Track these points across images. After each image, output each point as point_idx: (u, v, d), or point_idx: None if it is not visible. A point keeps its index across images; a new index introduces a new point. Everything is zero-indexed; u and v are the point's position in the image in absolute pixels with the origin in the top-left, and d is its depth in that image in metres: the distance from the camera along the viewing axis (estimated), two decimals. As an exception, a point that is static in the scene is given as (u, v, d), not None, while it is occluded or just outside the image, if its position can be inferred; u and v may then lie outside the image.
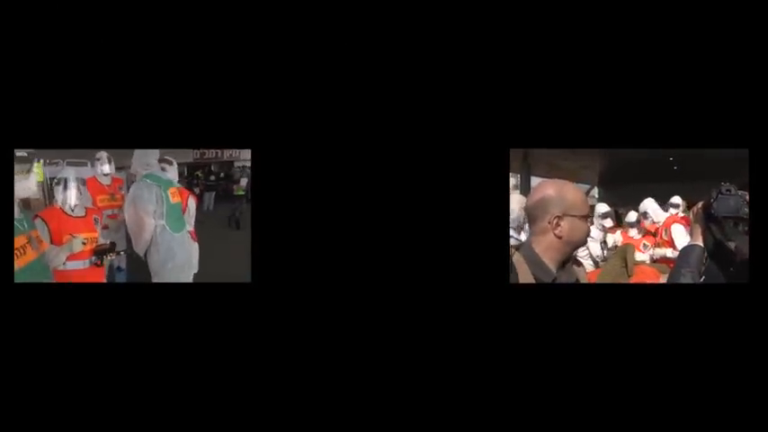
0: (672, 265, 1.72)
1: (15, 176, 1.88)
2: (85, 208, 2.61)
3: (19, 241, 2.02)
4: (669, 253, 4.59)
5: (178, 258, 2.85)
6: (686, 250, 1.54)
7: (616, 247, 4.96)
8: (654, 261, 4.74)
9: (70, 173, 2.58)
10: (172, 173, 3.17)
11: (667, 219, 4.80)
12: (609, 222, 5.15)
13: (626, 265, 4.64)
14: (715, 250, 1.52)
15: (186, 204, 3.15)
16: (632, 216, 5.07)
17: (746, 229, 1.50)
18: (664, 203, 4.94)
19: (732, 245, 1.51)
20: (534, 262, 1.39)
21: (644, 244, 4.88)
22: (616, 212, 5.39)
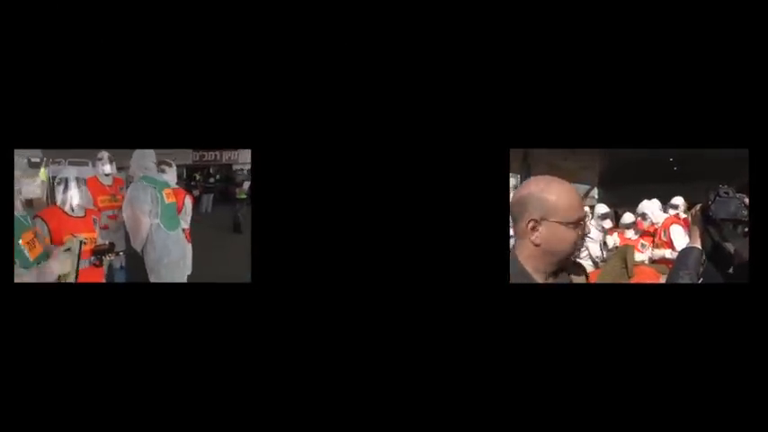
0: (671, 266, 1.73)
1: (25, 179, 1.90)
2: (85, 208, 2.62)
3: (27, 236, 2.11)
4: (668, 254, 4.60)
5: (173, 255, 2.97)
6: (684, 252, 1.55)
7: (616, 247, 4.96)
8: (653, 262, 4.75)
9: (71, 173, 2.61)
10: (171, 174, 3.30)
11: (666, 220, 4.81)
12: (608, 223, 5.15)
13: (626, 266, 4.64)
14: (713, 252, 1.52)
15: (182, 204, 3.28)
16: (628, 218, 5.08)
17: (746, 231, 1.50)
18: (664, 204, 4.94)
19: (731, 248, 1.52)
20: (518, 270, 1.23)
21: (642, 244, 4.89)
22: (616, 213, 5.39)
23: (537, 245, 1.21)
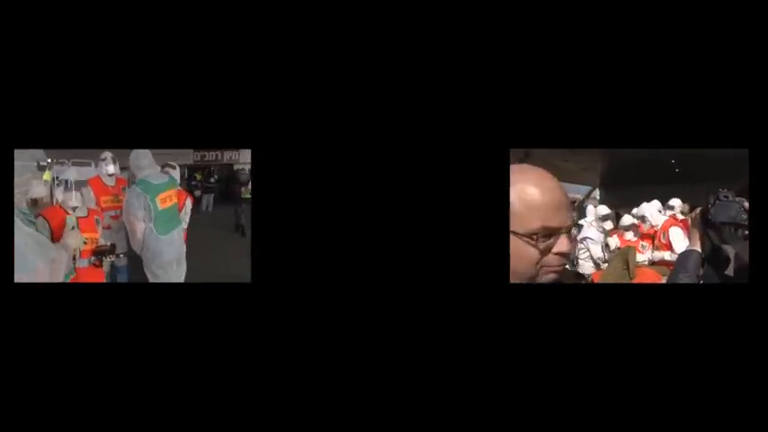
0: (671, 268, 1.73)
1: (33, 181, 1.95)
2: (88, 208, 2.66)
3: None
4: (667, 256, 4.62)
5: (164, 256, 3.10)
6: (684, 255, 1.56)
7: (618, 249, 4.97)
8: (652, 263, 4.76)
9: (72, 174, 2.70)
10: (175, 176, 3.42)
11: (665, 222, 4.82)
12: (610, 225, 5.16)
13: (627, 267, 4.65)
14: (712, 256, 1.53)
15: (183, 204, 3.38)
16: (627, 220, 5.09)
17: (746, 234, 1.50)
18: (663, 206, 4.95)
19: (731, 251, 1.52)
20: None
21: (642, 245, 4.90)
22: (617, 214, 5.39)
23: None
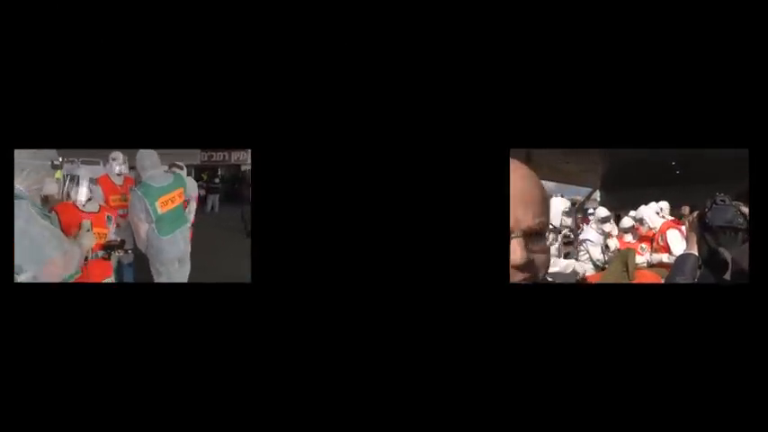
0: (669, 270, 1.73)
1: (46, 179, 2.02)
2: (99, 205, 2.74)
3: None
4: (665, 258, 4.64)
5: (166, 255, 3.20)
6: (681, 258, 1.57)
7: (618, 250, 4.98)
8: (651, 265, 4.78)
9: (82, 171, 2.81)
10: (182, 175, 3.54)
11: (663, 225, 4.84)
12: (609, 226, 5.16)
13: (627, 269, 4.66)
14: (709, 259, 1.53)
15: (187, 204, 3.50)
16: (627, 222, 5.10)
17: (744, 237, 1.50)
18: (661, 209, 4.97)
19: (728, 255, 1.52)
20: None
21: (641, 247, 4.92)
22: (618, 216, 5.41)
23: None
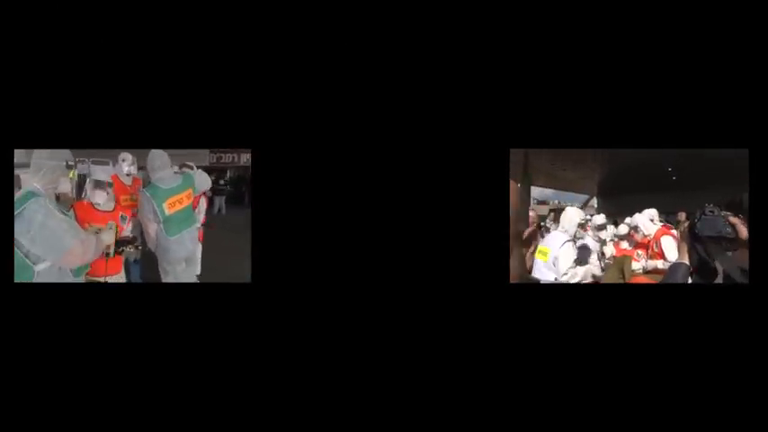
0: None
1: (61, 178, 2.07)
2: (114, 204, 2.83)
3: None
4: (660, 264, 4.64)
5: (173, 254, 3.20)
6: (673, 268, 1.61)
7: (614, 257, 4.99)
8: (646, 272, 4.79)
9: (95, 172, 2.85)
10: (192, 176, 3.52)
11: (657, 232, 4.85)
12: (606, 233, 5.17)
13: (623, 276, 4.67)
14: (699, 267, 1.56)
15: (197, 204, 3.52)
16: (622, 229, 5.12)
17: (732, 247, 1.53)
18: (659, 215, 4.99)
19: (717, 264, 1.56)
20: None
21: (638, 253, 4.93)
22: (616, 223, 5.42)
23: None
